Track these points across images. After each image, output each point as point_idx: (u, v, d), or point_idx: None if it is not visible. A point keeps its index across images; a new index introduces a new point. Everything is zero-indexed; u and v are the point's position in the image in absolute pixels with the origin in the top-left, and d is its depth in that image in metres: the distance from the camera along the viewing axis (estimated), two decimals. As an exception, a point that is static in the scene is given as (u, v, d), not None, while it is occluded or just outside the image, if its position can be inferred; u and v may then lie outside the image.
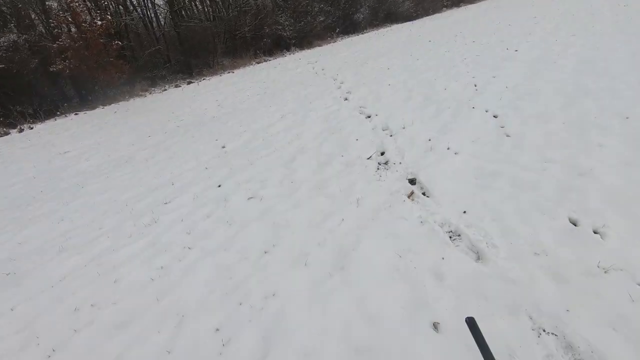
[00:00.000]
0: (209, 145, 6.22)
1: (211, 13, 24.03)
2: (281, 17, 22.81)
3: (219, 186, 4.42)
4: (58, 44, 12.74)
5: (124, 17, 18.13)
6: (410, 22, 30.18)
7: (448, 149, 4.14)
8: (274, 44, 23.68)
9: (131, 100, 13.03)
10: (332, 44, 22.24)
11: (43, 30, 13.46)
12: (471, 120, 4.82)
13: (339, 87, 8.30)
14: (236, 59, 21.86)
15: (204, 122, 7.72)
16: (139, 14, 19.97)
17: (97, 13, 13.50)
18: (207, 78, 15.83)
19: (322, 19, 24.78)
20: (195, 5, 23.97)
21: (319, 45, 21.84)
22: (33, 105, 13.02)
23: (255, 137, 6.13)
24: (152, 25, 20.90)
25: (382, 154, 4.42)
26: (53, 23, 12.82)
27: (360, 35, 25.18)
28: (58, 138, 9.53)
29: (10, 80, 12.45)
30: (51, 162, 7.43)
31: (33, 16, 13.97)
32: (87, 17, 13.08)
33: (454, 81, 6.88)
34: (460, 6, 45.72)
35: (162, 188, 4.75)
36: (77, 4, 12.68)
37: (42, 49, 13.15)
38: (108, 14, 14.75)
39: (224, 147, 5.93)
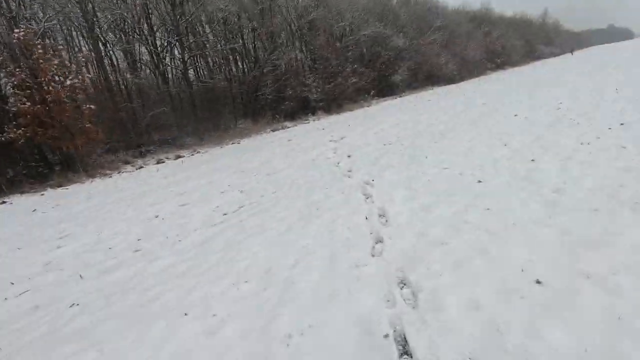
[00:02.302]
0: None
1: (230, 72, 21.80)
2: (309, 78, 20.02)
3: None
4: (14, 106, 9.85)
5: (124, 74, 15.81)
6: (455, 85, 26.78)
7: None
8: (299, 106, 20.72)
9: (91, 182, 9.59)
10: (365, 108, 18.85)
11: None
12: None
13: (370, 208, 4.12)
14: (255, 121, 18.91)
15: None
16: (150, 71, 17.72)
17: (69, 69, 10.74)
18: (201, 151, 12.44)
19: (354, 80, 21.84)
20: (213, 61, 21.89)
21: (350, 110, 18.50)
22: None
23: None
24: (161, 83, 18.58)
25: None
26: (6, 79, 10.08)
27: (399, 99, 21.82)
28: None
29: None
30: None
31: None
32: (58, 74, 10.30)
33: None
34: (506, 69, 42.78)
35: None
36: (43, 54, 9.90)
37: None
38: (87, 71, 12.07)
39: None
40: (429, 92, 22.82)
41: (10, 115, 10.25)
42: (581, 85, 11.03)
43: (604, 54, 32.95)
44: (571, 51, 55.11)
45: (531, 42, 55.80)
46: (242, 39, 21.02)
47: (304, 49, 22.72)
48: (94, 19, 14.80)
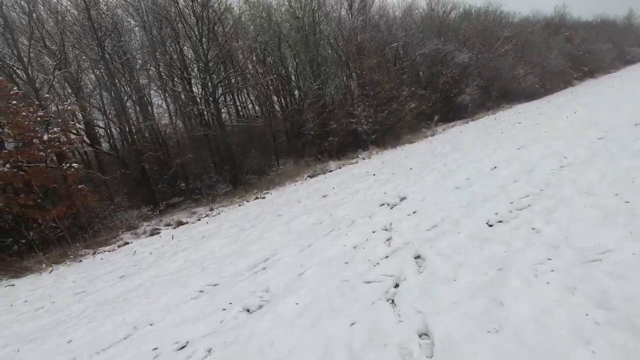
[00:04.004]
0: None
1: (270, 108, 19.59)
2: (358, 107, 16.90)
3: None
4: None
5: (136, 122, 14.16)
6: (541, 100, 21.81)
7: None
8: (347, 141, 17.58)
9: (49, 271, 7.07)
10: (428, 138, 15.05)
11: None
12: None
13: None
14: (297, 162, 16.14)
15: None
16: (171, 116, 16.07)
17: (47, 121, 8.75)
18: (214, 211, 9.62)
19: (413, 105, 18.27)
20: (252, 98, 19.95)
21: (409, 142, 14.87)
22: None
23: None
24: (191, 125, 16.81)
25: None
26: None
27: (471, 122, 17.65)
28: None
29: None
30: None
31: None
32: (34, 126, 8.35)
33: None
34: (596, 77, 35.95)
35: None
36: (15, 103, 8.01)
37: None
38: (73, 120, 10.14)
39: None
40: (511, 112, 18.28)
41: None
42: None
43: None
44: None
45: (619, 45, 47.78)
46: (284, 69, 18.84)
47: (352, 75, 19.86)
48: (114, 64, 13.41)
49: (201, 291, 3.80)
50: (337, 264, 3.72)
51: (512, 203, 4.21)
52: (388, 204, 5.55)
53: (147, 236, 8.03)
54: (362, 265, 3.56)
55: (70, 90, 14.17)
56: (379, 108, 16.46)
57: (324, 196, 7.73)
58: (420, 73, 24.25)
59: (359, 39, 18.55)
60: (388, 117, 16.45)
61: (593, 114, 9.54)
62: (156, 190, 14.47)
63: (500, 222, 3.80)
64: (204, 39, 14.34)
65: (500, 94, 23.39)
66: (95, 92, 16.19)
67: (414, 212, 4.82)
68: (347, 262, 3.71)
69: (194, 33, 14.14)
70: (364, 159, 13.21)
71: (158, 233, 8.09)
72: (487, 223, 3.85)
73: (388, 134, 16.63)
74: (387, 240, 4.08)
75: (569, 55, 33.05)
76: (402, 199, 5.66)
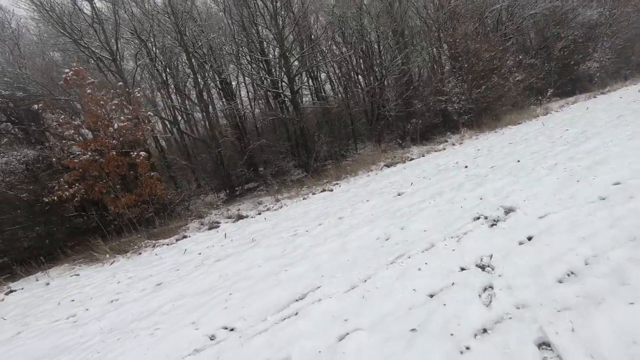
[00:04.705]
0: None
1: (350, 87, 18.21)
2: (448, 83, 14.48)
3: None
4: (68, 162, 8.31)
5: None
6: None
7: None
8: (436, 122, 15.36)
9: (111, 262, 6.97)
10: (540, 118, 12.12)
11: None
12: None
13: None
14: (378, 145, 14.67)
15: None
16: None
17: (122, 108, 8.73)
18: (280, 201, 8.81)
19: (519, 77, 15.06)
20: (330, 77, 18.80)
21: (514, 123, 12.14)
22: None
23: None
24: (269, 109, 16.44)
25: None
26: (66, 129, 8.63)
27: (600, 97, 13.81)
28: None
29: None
30: None
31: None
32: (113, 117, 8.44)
33: None
34: None
35: None
36: (91, 97, 8.16)
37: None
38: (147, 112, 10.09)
39: None
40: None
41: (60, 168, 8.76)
42: None
43: None
44: None
45: None
46: (365, 45, 17.11)
47: (442, 46, 17.15)
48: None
49: (212, 337, 2.86)
50: (398, 330, 2.37)
51: None
52: (486, 218, 3.90)
53: (206, 229, 7.60)
54: (438, 343, 2.16)
55: (159, 79, 14.76)
56: (475, 83, 13.84)
57: (398, 194, 6.25)
58: (529, 40, 20.13)
59: (453, 3, 15.80)
60: (486, 93, 13.76)
61: None
62: (233, 174, 14.48)
63: None
64: (278, 17, 13.50)
65: (642, 58, 18.19)
66: (184, 78, 16.82)
67: (530, 239, 3.16)
68: (414, 330, 2.35)
69: (268, 9, 13.35)
70: (453, 144, 11.10)
71: (217, 226, 7.60)
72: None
73: (485, 113, 13.98)
74: (485, 290, 2.58)
75: None
76: (509, 210, 3.95)
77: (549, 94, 15.92)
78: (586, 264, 2.57)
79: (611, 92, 14.72)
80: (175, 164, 16.05)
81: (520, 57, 16.72)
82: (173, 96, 16.41)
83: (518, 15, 18.27)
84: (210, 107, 17.79)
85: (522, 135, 9.13)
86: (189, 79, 16.48)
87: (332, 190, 8.61)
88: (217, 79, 16.09)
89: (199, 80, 14.40)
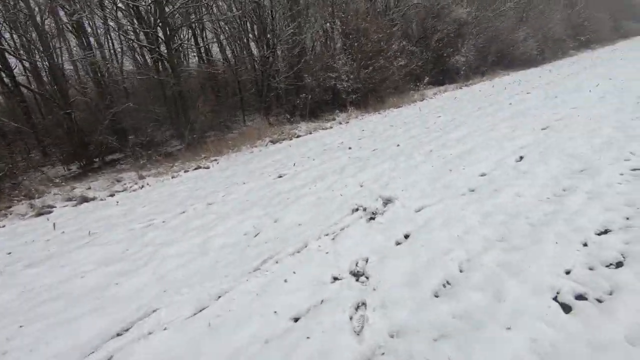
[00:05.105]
0: None
1: (238, 53, 16.69)
2: (339, 60, 14.33)
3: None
4: None
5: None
6: (537, 69, 19.88)
7: None
8: (325, 99, 15.21)
9: None
10: (417, 104, 12.98)
11: None
12: None
13: None
14: (266, 118, 13.78)
15: None
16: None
17: None
18: (144, 180, 7.42)
19: (402, 62, 15.88)
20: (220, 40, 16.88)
21: (395, 106, 12.75)
22: None
23: None
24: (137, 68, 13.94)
25: None
26: None
27: (466, 88, 15.59)
28: None
29: None
30: None
31: None
32: None
33: None
34: (593, 48, 34.04)
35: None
36: None
37: None
38: None
39: None
40: (509, 79, 16.30)
41: None
42: None
43: None
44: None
45: (616, 17, 45.72)
46: (259, 8, 15.62)
47: (335, 21, 16.90)
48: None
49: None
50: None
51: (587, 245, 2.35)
52: (364, 210, 3.60)
53: (32, 216, 5.79)
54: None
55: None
56: (363, 63, 14.03)
57: (279, 176, 5.66)
58: (411, 29, 21.53)
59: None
60: (372, 74, 14.10)
61: (626, 87, 7.70)
62: (93, 142, 11.85)
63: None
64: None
65: (496, 58, 21.22)
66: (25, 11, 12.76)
67: (407, 237, 2.92)
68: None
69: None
70: (340, 123, 11.05)
71: (50, 212, 5.86)
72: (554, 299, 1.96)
73: (371, 94, 14.39)
74: (358, 310, 2.16)
75: (569, 21, 30.77)
76: (387, 201, 3.73)
77: (425, 81, 17.31)
78: (461, 271, 2.38)
79: (473, 85, 16.77)
80: (7, 125, 12.40)
81: (404, 43, 17.65)
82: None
83: (404, 3, 19.21)
84: (61, 56, 14.29)
85: (403, 119, 9.48)
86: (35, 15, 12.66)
87: (208, 167, 7.56)
88: (68, 20, 12.74)
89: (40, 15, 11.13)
